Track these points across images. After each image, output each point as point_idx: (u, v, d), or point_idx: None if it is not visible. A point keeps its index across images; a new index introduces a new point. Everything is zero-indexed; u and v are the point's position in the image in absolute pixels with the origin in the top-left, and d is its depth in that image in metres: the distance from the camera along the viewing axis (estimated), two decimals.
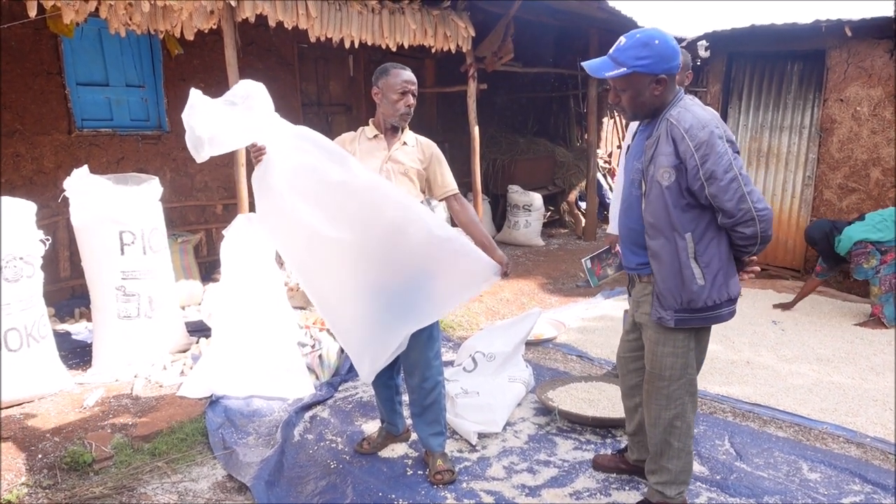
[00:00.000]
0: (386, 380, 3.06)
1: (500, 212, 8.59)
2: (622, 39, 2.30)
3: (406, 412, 3.31)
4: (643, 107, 2.33)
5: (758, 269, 2.49)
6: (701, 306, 2.31)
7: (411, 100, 2.82)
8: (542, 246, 8.14)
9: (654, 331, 2.44)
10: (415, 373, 2.89)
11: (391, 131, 2.89)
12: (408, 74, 2.84)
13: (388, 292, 2.67)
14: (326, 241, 2.61)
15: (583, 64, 2.39)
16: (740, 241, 2.29)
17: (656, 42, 2.22)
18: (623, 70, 2.25)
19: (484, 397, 3.42)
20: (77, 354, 4.29)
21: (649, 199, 2.33)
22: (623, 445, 3.11)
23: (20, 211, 3.55)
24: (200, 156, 2.55)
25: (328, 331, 4.36)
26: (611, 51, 2.33)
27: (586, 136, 8.99)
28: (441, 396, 2.95)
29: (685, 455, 2.50)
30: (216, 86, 6.15)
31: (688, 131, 2.19)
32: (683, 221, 2.26)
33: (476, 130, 6.32)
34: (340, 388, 3.92)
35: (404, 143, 2.89)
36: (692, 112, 2.24)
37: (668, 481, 2.51)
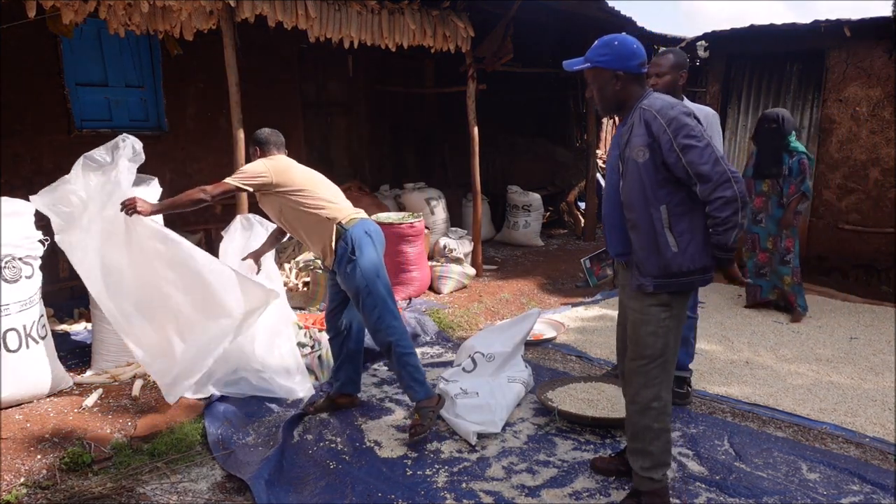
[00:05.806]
0: (338, 329, 3.54)
1: (500, 212, 8.58)
2: (596, 42, 2.58)
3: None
4: (608, 100, 2.59)
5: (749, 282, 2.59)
6: (675, 271, 2.47)
7: None
8: (541, 246, 8.13)
9: (636, 310, 2.57)
10: (371, 336, 3.33)
11: None
12: None
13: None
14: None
15: (563, 63, 2.66)
16: (721, 213, 2.35)
17: (616, 43, 2.53)
18: (586, 64, 2.56)
19: (483, 398, 3.43)
20: (76, 355, 4.28)
21: (626, 178, 2.50)
22: (622, 446, 3.12)
23: (19, 211, 3.56)
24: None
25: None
26: None
27: (585, 137, 8.99)
28: (403, 356, 3.24)
29: (664, 433, 2.60)
30: (216, 86, 6.14)
31: (659, 111, 2.41)
32: (659, 195, 2.43)
33: (475, 130, 6.32)
34: None
35: None
36: (662, 98, 2.50)
37: (653, 465, 2.60)
